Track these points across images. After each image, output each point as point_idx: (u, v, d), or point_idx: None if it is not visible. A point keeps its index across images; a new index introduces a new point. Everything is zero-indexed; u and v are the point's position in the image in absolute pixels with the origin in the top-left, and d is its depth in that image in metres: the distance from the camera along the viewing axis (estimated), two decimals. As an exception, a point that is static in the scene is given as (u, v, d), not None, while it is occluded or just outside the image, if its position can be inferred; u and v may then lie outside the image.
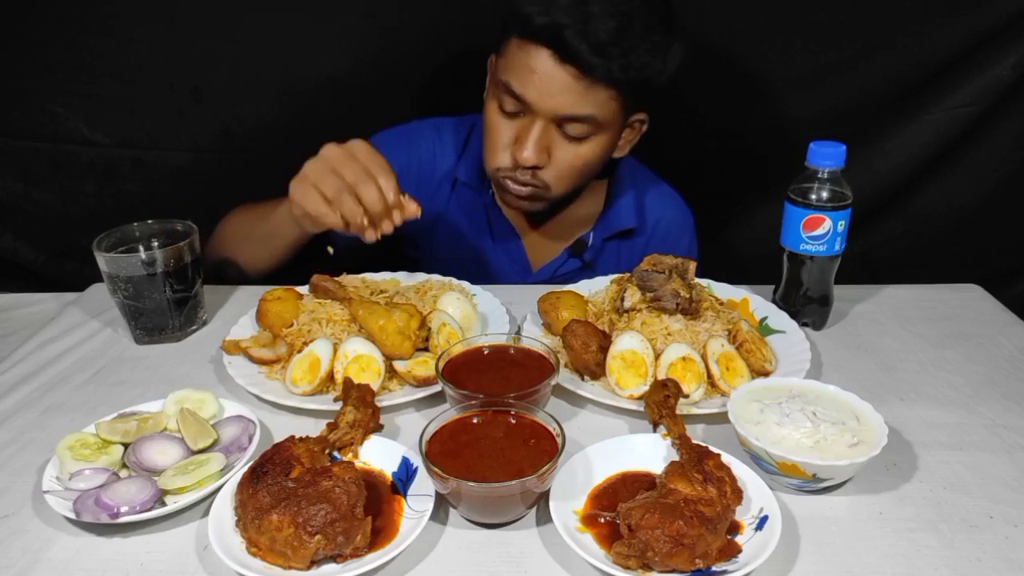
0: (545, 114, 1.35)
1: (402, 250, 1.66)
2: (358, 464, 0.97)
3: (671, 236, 1.67)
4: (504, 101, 1.38)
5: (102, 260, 1.27)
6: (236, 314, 1.37)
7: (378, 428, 1.05)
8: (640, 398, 1.09)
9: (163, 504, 0.92)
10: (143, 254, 1.27)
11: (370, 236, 1.24)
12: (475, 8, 1.67)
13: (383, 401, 1.10)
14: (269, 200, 1.51)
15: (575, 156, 1.40)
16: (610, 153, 1.48)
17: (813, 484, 0.94)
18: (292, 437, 0.95)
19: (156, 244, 1.34)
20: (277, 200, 1.47)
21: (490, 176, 1.51)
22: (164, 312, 1.30)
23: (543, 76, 1.31)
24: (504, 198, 1.54)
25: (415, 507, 0.90)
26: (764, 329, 1.30)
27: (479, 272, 1.57)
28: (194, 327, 1.37)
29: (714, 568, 0.81)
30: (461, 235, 1.63)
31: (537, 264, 1.68)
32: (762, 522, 0.87)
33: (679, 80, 1.44)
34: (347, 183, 1.22)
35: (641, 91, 1.39)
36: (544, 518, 0.90)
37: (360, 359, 1.14)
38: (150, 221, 1.36)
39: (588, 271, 1.64)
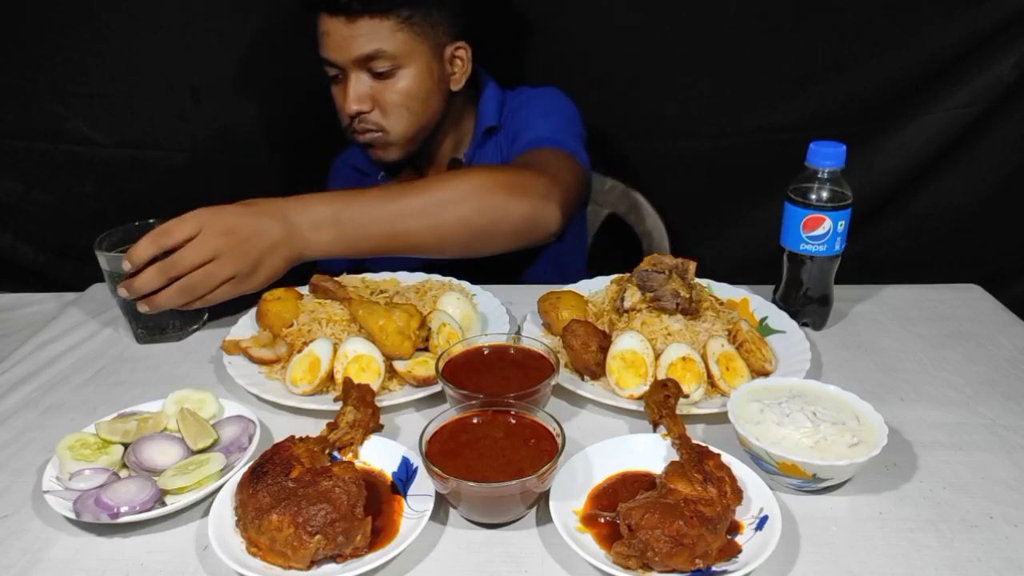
0: (348, 65, 1.50)
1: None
2: (358, 464, 0.97)
3: (522, 104, 1.69)
4: (328, 73, 1.54)
5: (103, 259, 1.27)
6: (236, 314, 1.37)
7: (378, 428, 1.05)
8: (640, 398, 1.09)
9: (163, 504, 0.92)
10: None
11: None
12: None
13: (383, 401, 1.10)
14: None
15: (393, 92, 1.53)
16: (437, 85, 1.58)
17: (813, 484, 0.94)
18: (292, 437, 0.95)
19: None
20: None
21: (353, 143, 1.65)
22: (165, 312, 1.29)
23: (329, 34, 1.48)
24: (370, 156, 1.66)
25: (415, 507, 0.90)
26: (764, 329, 1.30)
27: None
28: (195, 326, 1.37)
29: (714, 568, 0.81)
30: None
31: None
32: (762, 522, 0.87)
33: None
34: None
35: (421, 17, 1.50)
36: (544, 518, 0.90)
37: (360, 359, 1.14)
38: (151, 220, 1.36)
39: None
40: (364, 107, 1.53)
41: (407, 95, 1.54)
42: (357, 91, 1.52)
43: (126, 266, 1.20)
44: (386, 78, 1.51)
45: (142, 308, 1.24)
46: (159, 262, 1.20)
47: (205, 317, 1.39)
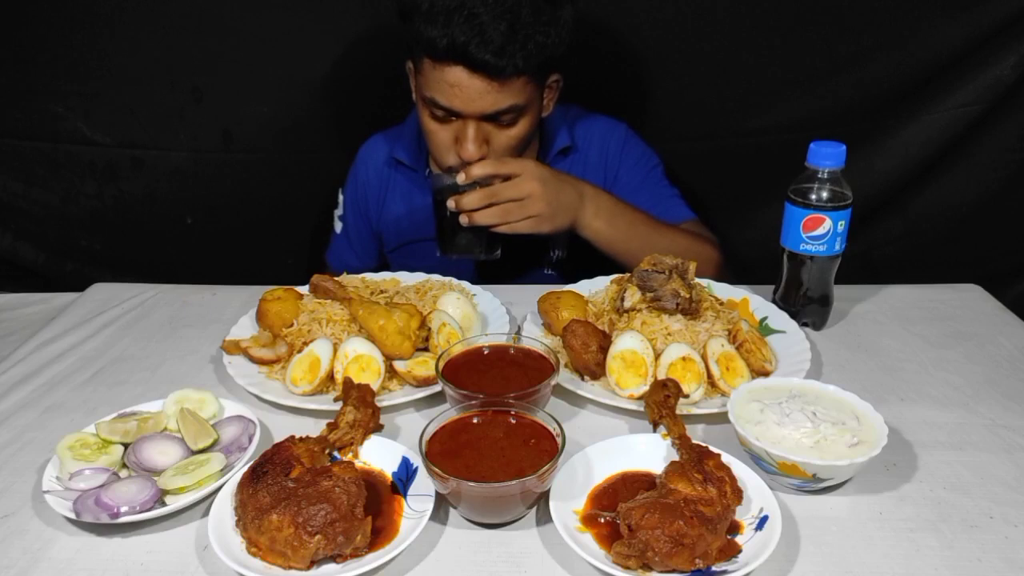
0: (473, 116, 1.46)
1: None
2: (358, 464, 0.97)
3: (609, 145, 1.72)
4: (434, 112, 1.49)
5: (438, 180, 1.44)
6: (236, 314, 1.37)
7: (378, 428, 1.05)
8: (640, 398, 1.09)
9: (163, 504, 0.92)
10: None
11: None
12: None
13: (383, 401, 1.10)
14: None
15: (510, 138, 1.52)
16: (539, 117, 1.59)
17: (813, 484, 0.94)
18: (292, 437, 0.95)
19: None
20: None
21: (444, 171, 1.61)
22: (477, 234, 1.44)
23: (461, 88, 1.42)
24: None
25: (415, 507, 0.90)
26: (764, 329, 1.30)
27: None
28: (494, 254, 1.48)
29: (714, 568, 0.81)
30: (412, 213, 1.73)
31: None
32: (762, 522, 0.87)
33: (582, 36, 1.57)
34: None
35: (548, 64, 1.50)
36: (544, 518, 0.90)
37: (360, 359, 1.14)
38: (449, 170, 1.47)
39: None
40: (483, 153, 1.50)
41: (520, 138, 1.53)
42: (477, 139, 1.48)
43: (461, 179, 1.41)
44: (506, 126, 1.49)
45: (463, 220, 1.42)
46: (485, 188, 1.41)
47: (499, 252, 1.49)
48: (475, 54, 1.36)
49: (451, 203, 1.42)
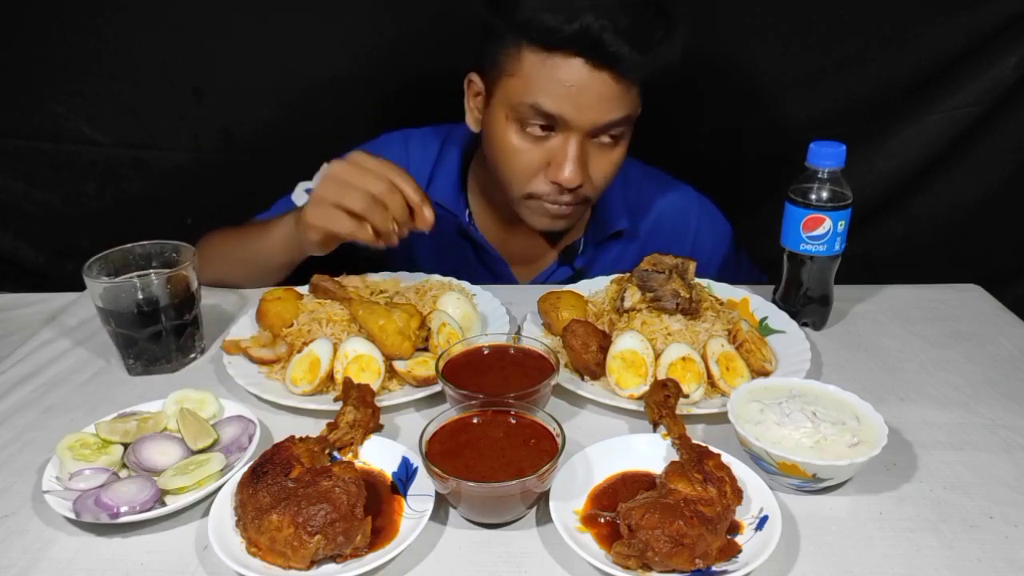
0: (581, 128, 1.25)
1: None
2: (358, 464, 0.97)
3: (675, 238, 1.56)
4: (528, 124, 1.27)
5: (96, 289, 1.20)
6: (236, 314, 1.37)
7: (378, 428, 1.05)
8: (640, 398, 1.09)
9: (163, 504, 0.92)
10: (139, 291, 1.19)
11: (395, 240, 1.22)
12: (475, 11, 1.67)
13: (383, 401, 1.10)
14: (250, 224, 1.49)
15: (609, 163, 1.31)
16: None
17: (813, 484, 0.94)
18: (292, 437, 0.95)
19: (154, 268, 1.26)
20: (262, 224, 1.43)
21: (516, 201, 1.40)
22: (160, 343, 1.23)
23: (579, 88, 1.20)
24: (533, 221, 1.42)
25: (415, 507, 0.90)
26: (764, 329, 1.30)
27: None
28: (193, 355, 1.29)
29: (714, 568, 0.81)
30: (439, 257, 1.53)
31: (525, 278, 1.61)
32: (762, 522, 0.87)
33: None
34: (372, 194, 1.18)
35: (659, 80, 1.30)
36: (544, 518, 0.90)
37: (360, 359, 1.14)
38: (144, 243, 1.28)
39: (582, 278, 1.46)
40: (581, 180, 1.29)
41: (618, 165, 1.31)
42: (581, 161, 1.27)
43: None
44: (605, 147, 1.29)
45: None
46: None
47: (203, 346, 1.31)
48: (609, 44, 1.15)
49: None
